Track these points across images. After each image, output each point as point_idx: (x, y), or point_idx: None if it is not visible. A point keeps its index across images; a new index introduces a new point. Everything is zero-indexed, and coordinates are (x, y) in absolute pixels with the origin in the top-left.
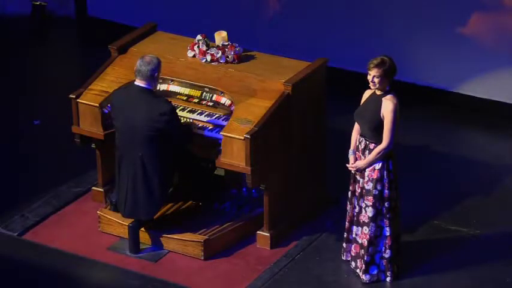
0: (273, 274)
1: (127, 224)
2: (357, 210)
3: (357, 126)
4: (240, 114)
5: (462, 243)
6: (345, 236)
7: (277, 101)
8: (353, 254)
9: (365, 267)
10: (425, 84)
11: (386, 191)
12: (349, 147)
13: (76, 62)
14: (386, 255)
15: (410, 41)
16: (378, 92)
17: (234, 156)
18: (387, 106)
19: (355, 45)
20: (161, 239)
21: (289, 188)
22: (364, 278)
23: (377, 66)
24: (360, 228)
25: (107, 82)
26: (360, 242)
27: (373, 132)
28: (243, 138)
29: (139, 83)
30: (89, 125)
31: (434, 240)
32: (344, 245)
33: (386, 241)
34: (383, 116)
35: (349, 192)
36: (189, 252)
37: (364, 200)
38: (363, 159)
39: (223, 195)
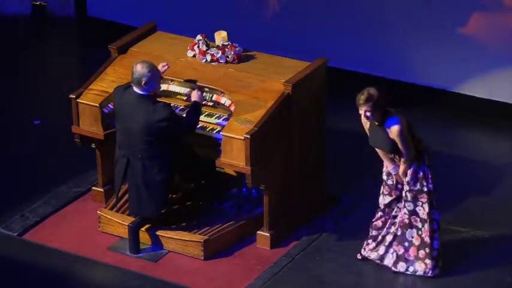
0: (273, 274)
1: (127, 224)
2: (405, 213)
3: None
4: (240, 114)
5: (462, 243)
6: (373, 233)
7: (277, 101)
8: (411, 259)
9: (435, 263)
10: (425, 84)
11: (430, 186)
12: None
13: (76, 62)
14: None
15: (410, 41)
16: (376, 123)
17: (234, 156)
18: (393, 132)
19: (355, 45)
20: (161, 239)
21: (289, 188)
22: (433, 273)
23: (366, 101)
24: (414, 230)
25: (107, 82)
26: (416, 244)
27: (397, 152)
28: (243, 138)
29: (135, 89)
30: (89, 125)
31: None
32: (367, 241)
33: (438, 233)
34: (394, 140)
35: (389, 198)
36: (189, 252)
37: (416, 200)
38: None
39: (223, 195)
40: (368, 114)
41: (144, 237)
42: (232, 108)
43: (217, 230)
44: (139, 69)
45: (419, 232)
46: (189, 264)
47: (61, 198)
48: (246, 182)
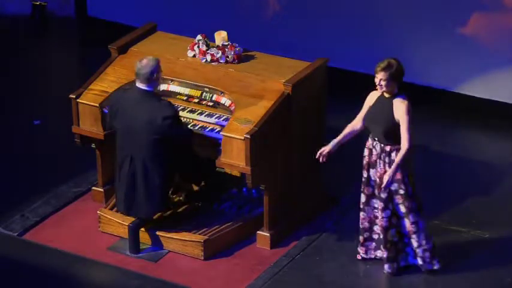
0: (273, 274)
1: (127, 224)
2: (383, 217)
3: (352, 124)
4: (240, 114)
5: (462, 243)
6: (365, 236)
7: (277, 101)
8: (393, 254)
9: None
10: (425, 84)
11: (410, 189)
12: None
13: (76, 62)
14: (427, 246)
15: (410, 41)
16: (387, 95)
17: (234, 156)
18: (400, 108)
19: (355, 45)
20: (161, 239)
21: (289, 188)
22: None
23: (384, 69)
24: (394, 229)
25: (107, 82)
26: (395, 240)
27: (388, 135)
28: (243, 138)
29: (140, 85)
30: (89, 125)
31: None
32: (362, 246)
33: (424, 233)
34: (398, 119)
35: (364, 196)
36: (189, 252)
37: (392, 200)
38: (381, 166)
39: (223, 195)
40: (383, 83)
41: (144, 237)
42: (232, 108)
43: (217, 230)
44: (146, 63)
45: (399, 229)
46: (189, 264)
47: (61, 198)
48: (246, 182)
